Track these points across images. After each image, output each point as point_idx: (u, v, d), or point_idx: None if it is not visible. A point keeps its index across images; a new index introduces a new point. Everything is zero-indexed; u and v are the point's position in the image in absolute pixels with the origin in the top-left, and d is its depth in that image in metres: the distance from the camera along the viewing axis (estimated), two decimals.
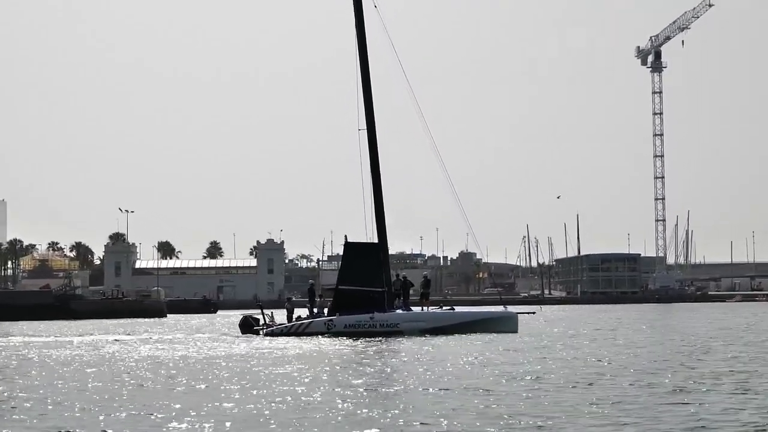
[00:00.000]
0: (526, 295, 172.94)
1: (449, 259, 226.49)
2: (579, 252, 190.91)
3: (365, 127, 47.44)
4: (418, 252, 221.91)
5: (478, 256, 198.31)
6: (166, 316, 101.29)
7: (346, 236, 48.26)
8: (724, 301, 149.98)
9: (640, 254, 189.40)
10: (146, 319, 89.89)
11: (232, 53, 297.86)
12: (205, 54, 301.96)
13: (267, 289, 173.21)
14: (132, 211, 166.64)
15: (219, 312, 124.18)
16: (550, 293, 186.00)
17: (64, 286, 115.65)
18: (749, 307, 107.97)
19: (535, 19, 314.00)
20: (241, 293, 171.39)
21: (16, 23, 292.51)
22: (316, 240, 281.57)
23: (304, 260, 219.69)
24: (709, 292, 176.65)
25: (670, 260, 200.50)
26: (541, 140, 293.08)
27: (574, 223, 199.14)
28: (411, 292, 48.59)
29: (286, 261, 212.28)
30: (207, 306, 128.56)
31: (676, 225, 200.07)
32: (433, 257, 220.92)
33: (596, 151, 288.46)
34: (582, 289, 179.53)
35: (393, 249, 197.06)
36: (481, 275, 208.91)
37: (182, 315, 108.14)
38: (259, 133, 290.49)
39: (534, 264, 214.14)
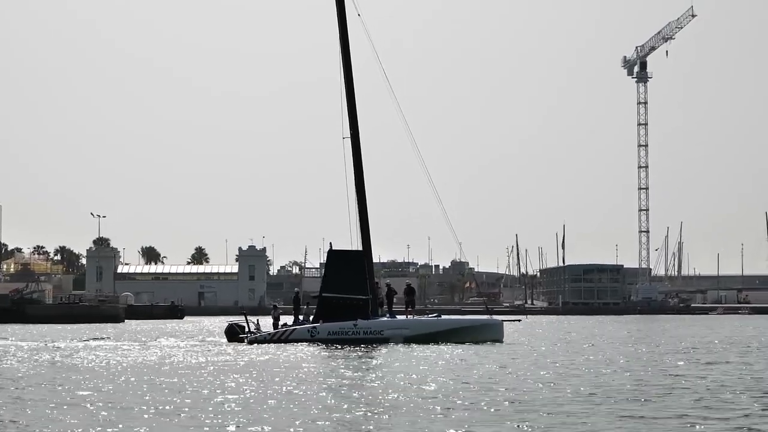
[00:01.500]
0: (508, 305, 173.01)
1: (441, 267, 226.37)
2: (564, 262, 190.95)
3: (349, 135, 47.51)
4: (410, 260, 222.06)
5: (470, 266, 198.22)
6: (123, 322, 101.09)
7: (331, 243, 48.19)
8: (707, 314, 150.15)
9: (623, 265, 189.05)
10: (98, 324, 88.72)
11: (220, 60, 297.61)
12: (193, 59, 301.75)
13: (248, 296, 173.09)
14: (104, 216, 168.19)
15: (188, 318, 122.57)
16: (532, 303, 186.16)
17: (21, 290, 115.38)
18: (717, 320, 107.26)
19: (521, 29, 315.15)
20: (223, 299, 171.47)
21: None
22: (308, 246, 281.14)
23: (296, 267, 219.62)
24: (692, 305, 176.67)
25: (660, 272, 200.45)
26: (533, 148, 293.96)
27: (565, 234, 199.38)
28: (395, 300, 48.69)
29: (278, 268, 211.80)
30: (174, 312, 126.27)
31: (666, 236, 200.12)
32: (425, 266, 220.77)
33: (586, 161, 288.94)
34: (564, 300, 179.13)
35: (384, 257, 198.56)
36: (468, 285, 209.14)
37: (143, 321, 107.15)
38: (254, 138, 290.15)
39: (520, 274, 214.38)
